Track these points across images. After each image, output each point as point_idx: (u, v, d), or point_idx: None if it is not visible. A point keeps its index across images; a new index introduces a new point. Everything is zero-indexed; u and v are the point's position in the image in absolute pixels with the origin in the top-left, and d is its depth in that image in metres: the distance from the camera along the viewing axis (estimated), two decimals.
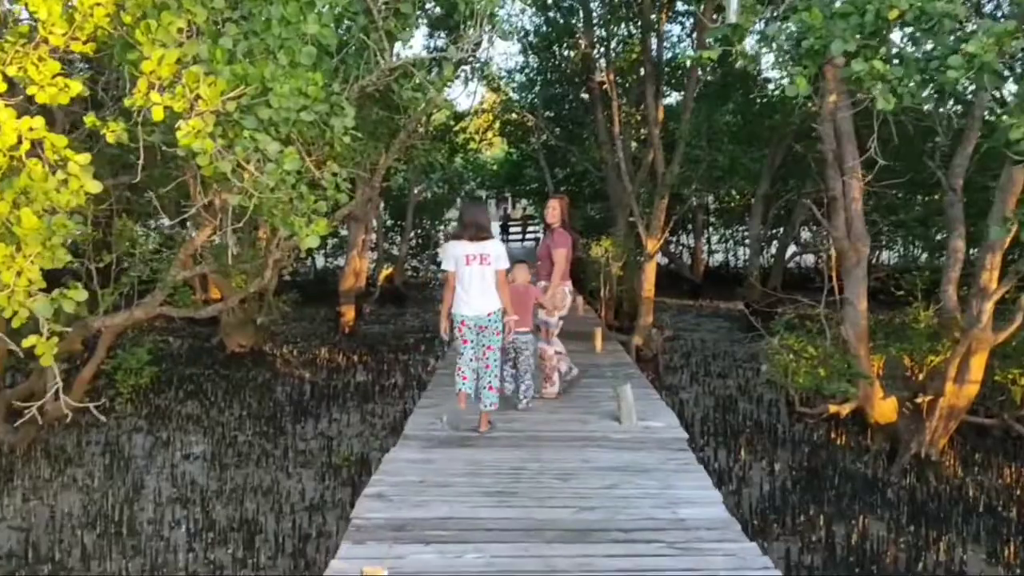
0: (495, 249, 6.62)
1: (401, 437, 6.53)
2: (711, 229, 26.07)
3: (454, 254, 6.60)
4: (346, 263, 15.71)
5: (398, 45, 7.00)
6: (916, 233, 13.74)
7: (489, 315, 6.59)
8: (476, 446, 6.31)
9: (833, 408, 8.27)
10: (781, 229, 19.63)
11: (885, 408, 8.36)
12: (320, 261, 22.88)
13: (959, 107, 9.51)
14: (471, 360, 6.73)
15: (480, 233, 6.58)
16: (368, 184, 7.71)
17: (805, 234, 20.80)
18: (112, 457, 8.41)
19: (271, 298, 12.01)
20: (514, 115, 21.96)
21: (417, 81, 4.97)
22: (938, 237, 14.64)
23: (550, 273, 8.22)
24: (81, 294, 3.80)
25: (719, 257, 27.13)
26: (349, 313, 15.29)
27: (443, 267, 6.77)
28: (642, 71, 12.98)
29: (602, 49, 14.14)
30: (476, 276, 6.53)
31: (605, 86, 16.88)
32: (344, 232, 17.87)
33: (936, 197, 13.68)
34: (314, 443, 9.14)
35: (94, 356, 8.74)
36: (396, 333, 16.26)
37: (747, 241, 25.00)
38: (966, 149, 8.41)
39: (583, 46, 13.01)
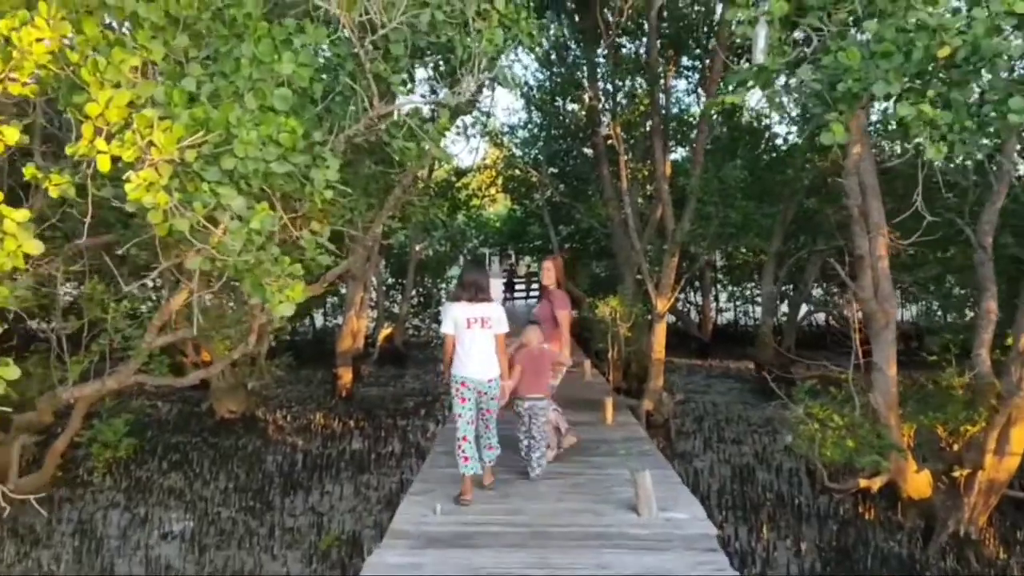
0: (495, 312, 6.42)
1: (387, 533, 5.68)
2: (719, 286, 25.56)
3: (454, 316, 6.35)
4: (343, 323, 15.15)
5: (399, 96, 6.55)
6: (933, 292, 13.17)
7: (489, 381, 6.39)
8: (473, 545, 5.43)
9: (864, 482, 7.64)
10: (792, 286, 19.15)
11: (919, 482, 7.74)
12: (319, 320, 22.35)
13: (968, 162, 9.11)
14: (469, 424, 6.34)
15: (480, 295, 6.37)
16: (361, 243, 7.18)
17: (815, 291, 20.30)
18: (83, 537, 7.78)
19: (263, 362, 11.44)
20: (517, 171, 21.59)
21: (410, 131, 4.47)
22: (954, 294, 14.12)
23: (550, 336, 7.77)
24: (12, 371, 3.25)
25: (727, 315, 26.56)
26: (346, 376, 14.70)
27: (442, 329, 6.47)
28: (649, 125, 12.53)
29: (608, 103, 13.73)
30: (477, 340, 6.33)
31: (610, 141, 16.53)
32: (344, 291, 17.34)
33: (950, 254, 13.19)
34: (303, 520, 8.50)
35: (68, 427, 8.16)
36: (395, 396, 15.64)
37: (758, 299, 24.53)
38: (995, 204, 7.94)
39: (588, 99, 12.51)
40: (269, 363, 11.68)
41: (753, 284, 24.42)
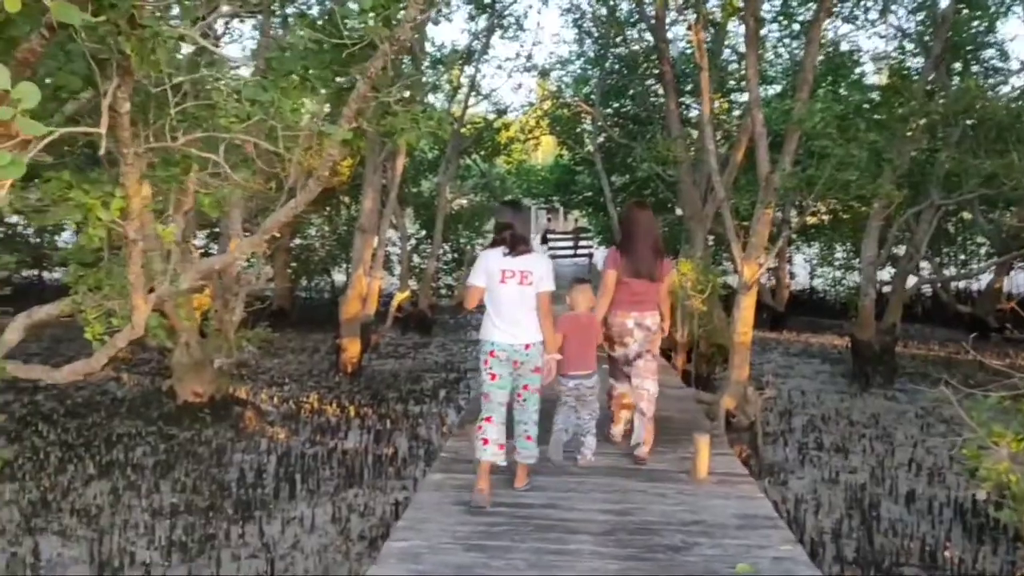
0: (539, 266, 5.18)
1: None
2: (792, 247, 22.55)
3: (487, 267, 5.19)
4: (349, 285, 12.58)
5: None
6: None
7: (527, 347, 5.16)
8: None
9: None
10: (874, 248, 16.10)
11: None
12: (340, 277, 19.91)
13: None
14: (500, 405, 5.19)
15: (519, 244, 5.19)
16: (316, 176, 4.53)
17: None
18: None
19: (231, 335, 8.92)
20: (566, 111, 18.73)
21: None
22: None
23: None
24: None
25: (800, 280, 23.59)
26: (352, 347, 12.16)
27: (470, 280, 5.33)
28: (740, 24, 9.38)
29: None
30: (513, 297, 5.12)
31: (670, 76, 13.57)
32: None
33: None
34: (248, 566, 6.01)
35: None
36: (412, 372, 13.08)
37: (839, 262, 21.55)
38: None
39: None
40: (240, 335, 9.17)
41: (837, 245, 21.42)
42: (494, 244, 5.28)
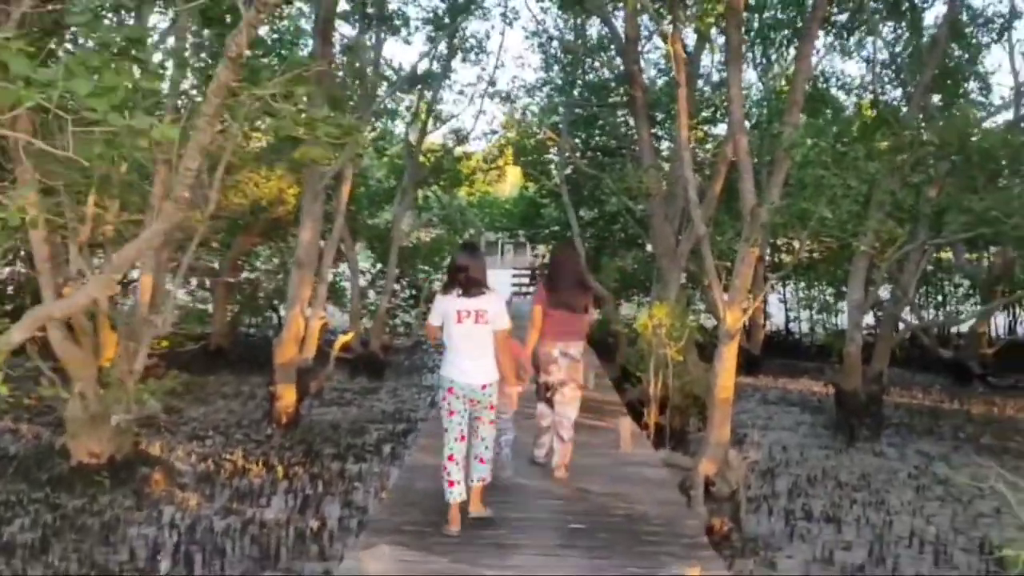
0: (493, 305, 5.40)
1: None
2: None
3: (443, 309, 5.42)
4: (284, 326, 11.34)
5: None
6: None
7: (484, 387, 5.37)
8: None
9: None
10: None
11: None
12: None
13: None
14: (458, 440, 5.35)
15: (474, 285, 5.35)
16: (174, 198, 3.37)
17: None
18: None
19: (131, 386, 7.64)
20: (531, 140, 17.71)
21: None
22: None
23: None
24: None
25: (774, 321, 22.70)
26: (287, 395, 10.87)
27: (429, 320, 5.65)
28: (722, 38, 8.33)
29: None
30: (470, 337, 5.34)
31: (642, 102, 12.53)
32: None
33: None
34: None
35: None
36: (356, 423, 11.80)
37: (814, 304, 20.72)
38: None
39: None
40: (146, 386, 7.89)
41: (807, 284, 20.63)
42: (449, 286, 5.44)
